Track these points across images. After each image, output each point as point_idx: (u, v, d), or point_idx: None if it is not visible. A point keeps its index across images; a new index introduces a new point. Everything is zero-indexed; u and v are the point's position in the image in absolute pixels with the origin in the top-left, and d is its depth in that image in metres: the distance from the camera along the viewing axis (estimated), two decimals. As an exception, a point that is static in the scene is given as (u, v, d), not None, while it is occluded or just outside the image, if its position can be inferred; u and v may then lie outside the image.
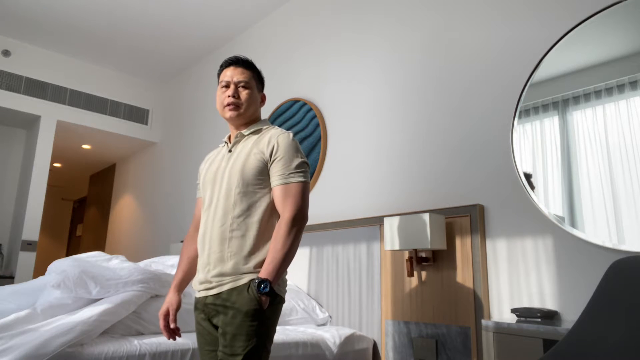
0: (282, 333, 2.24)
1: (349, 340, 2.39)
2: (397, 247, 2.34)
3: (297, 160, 1.55)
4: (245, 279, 1.44)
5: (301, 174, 1.54)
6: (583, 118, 2.02)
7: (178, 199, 4.98)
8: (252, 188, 1.53)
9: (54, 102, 4.96)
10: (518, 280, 2.14)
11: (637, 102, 1.88)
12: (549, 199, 2.08)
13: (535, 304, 2.07)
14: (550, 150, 2.11)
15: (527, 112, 2.22)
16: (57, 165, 7.10)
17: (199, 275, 1.55)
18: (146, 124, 5.63)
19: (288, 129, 3.60)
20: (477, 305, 2.19)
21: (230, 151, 1.65)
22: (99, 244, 6.65)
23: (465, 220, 2.32)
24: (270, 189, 1.55)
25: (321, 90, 3.48)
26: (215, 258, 1.50)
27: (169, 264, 2.79)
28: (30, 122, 5.14)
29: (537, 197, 2.11)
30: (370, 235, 2.74)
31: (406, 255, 2.53)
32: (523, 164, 2.19)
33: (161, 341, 1.87)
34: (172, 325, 1.57)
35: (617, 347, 1.13)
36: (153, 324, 2.05)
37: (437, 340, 2.29)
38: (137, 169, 6.10)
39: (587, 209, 1.95)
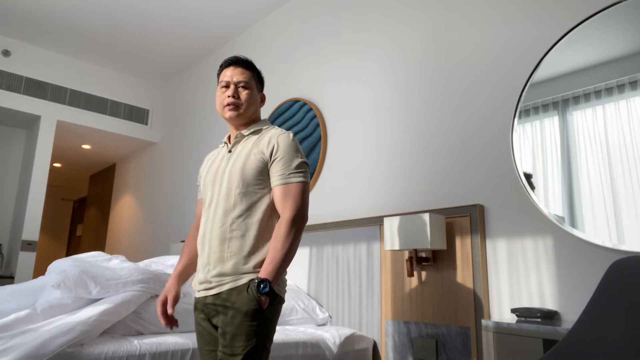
0: (282, 333, 2.24)
1: (349, 340, 2.39)
2: (397, 247, 2.34)
3: (297, 161, 1.55)
4: (245, 279, 1.44)
5: (301, 174, 1.54)
6: (583, 118, 2.02)
7: (178, 199, 4.98)
8: (252, 188, 1.53)
9: (54, 102, 4.96)
10: (518, 280, 2.14)
11: (637, 102, 1.88)
12: (549, 199, 2.08)
13: (535, 304, 2.07)
14: (550, 150, 2.11)
15: (527, 112, 2.22)
16: (57, 165, 7.10)
17: (199, 275, 1.55)
18: (146, 124, 5.63)
19: (288, 129, 3.60)
20: (477, 305, 2.19)
21: (230, 151, 1.65)
22: (99, 244, 6.65)
23: (465, 220, 2.32)
24: (270, 189, 1.55)
25: (321, 90, 3.48)
26: (215, 258, 1.50)
27: (169, 264, 2.79)
28: (30, 122, 5.14)
29: (537, 197, 2.11)
30: (370, 235, 2.74)
31: (406, 255, 2.53)
32: (523, 164, 2.19)
33: (161, 341, 1.86)
34: (169, 311, 1.56)
35: (617, 347, 1.13)
36: (153, 324, 2.05)
37: (437, 340, 2.29)
38: (137, 169, 6.10)
39: (587, 209, 1.95)
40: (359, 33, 3.27)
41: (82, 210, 7.99)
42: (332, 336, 2.36)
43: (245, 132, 1.65)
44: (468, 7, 2.62)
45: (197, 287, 1.55)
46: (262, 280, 1.39)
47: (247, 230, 1.50)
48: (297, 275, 3.16)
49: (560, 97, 2.11)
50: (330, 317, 2.84)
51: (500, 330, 1.81)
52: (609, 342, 1.16)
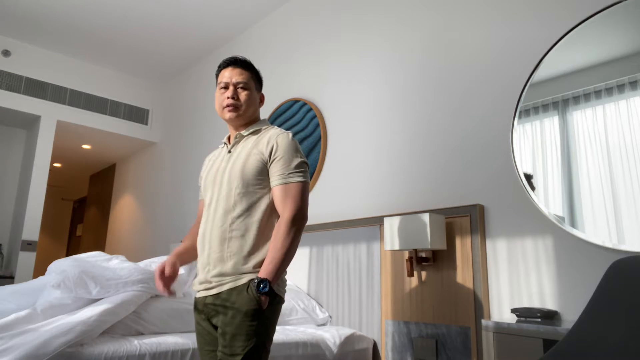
0: (282, 333, 2.24)
1: (349, 340, 2.39)
2: (397, 247, 2.34)
3: (297, 160, 1.55)
4: (244, 279, 1.44)
5: (301, 174, 1.54)
6: (583, 118, 2.02)
7: (178, 199, 4.98)
8: (252, 188, 1.53)
9: (54, 102, 4.96)
10: (518, 280, 2.14)
11: (637, 102, 1.88)
12: (549, 199, 2.08)
13: (535, 304, 2.07)
14: (550, 150, 2.11)
15: (527, 112, 2.22)
16: (57, 165, 7.10)
17: (199, 276, 1.55)
18: (146, 124, 5.63)
19: (288, 129, 3.60)
20: (477, 305, 2.19)
21: (229, 152, 1.65)
22: (99, 244, 6.65)
23: (465, 220, 2.32)
24: (270, 189, 1.55)
25: (321, 90, 3.48)
26: (215, 258, 1.50)
27: (169, 264, 2.79)
28: (30, 122, 5.14)
29: (537, 197, 2.11)
30: (370, 235, 2.74)
31: (406, 255, 2.53)
32: (523, 164, 2.19)
33: (161, 341, 1.87)
34: (167, 270, 1.56)
35: (617, 347, 1.13)
36: (153, 324, 2.05)
37: (437, 340, 2.29)
38: (137, 169, 6.10)
39: (587, 209, 1.95)
40: (359, 33, 3.27)
41: (82, 210, 7.99)
42: (332, 336, 2.36)
43: (244, 132, 1.65)
44: (468, 7, 2.62)
45: (197, 287, 1.55)
46: (261, 280, 1.39)
47: (247, 230, 1.50)
48: (297, 275, 3.16)
49: (560, 97, 2.11)
50: (330, 317, 2.84)
51: (500, 330, 1.81)
52: (609, 342, 1.16)
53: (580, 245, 1.97)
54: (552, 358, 1.26)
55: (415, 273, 2.46)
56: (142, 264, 2.78)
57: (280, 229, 1.46)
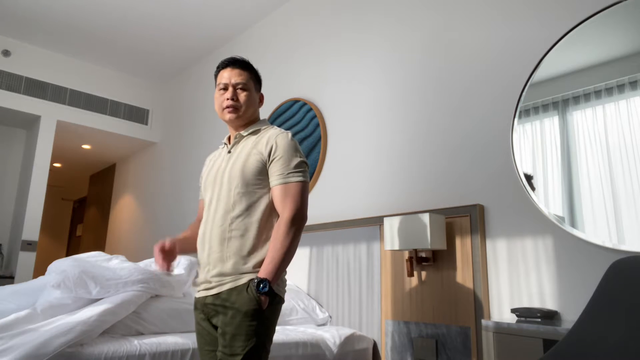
0: (282, 333, 2.24)
1: (349, 340, 2.39)
2: (397, 247, 2.34)
3: (296, 160, 1.55)
4: (244, 279, 1.44)
5: (300, 174, 1.54)
6: (583, 118, 2.02)
7: (178, 199, 4.98)
8: (252, 188, 1.53)
9: (54, 102, 4.96)
10: (518, 280, 2.14)
11: (637, 102, 1.88)
12: (549, 199, 2.08)
13: (535, 304, 2.07)
14: (550, 150, 2.11)
15: (527, 112, 2.22)
16: (57, 165, 7.10)
17: (199, 276, 1.55)
18: (146, 124, 5.63)
19: (288, 129, 3.60)
20: (477, 305, 2.19)
21: (229, 152, 1.65)
22: (99, 244, 6.65)
23: (465, 221, 2.32)
24: (270, 189, 1.55)
25: (321, 90, 3.48)
26: (215, 258, 1.50)
27: (169, 264, 2.79)
28: (30, 122, 5.14)
29: (537, 197, 2.11)
30: (370, 235, 2.74)
31: (406, 255, 2.53)
32: (523, 164, 2.19)
33: (161, 341, 1.86)
34: (167, 245, 1.55)
35: (617, 347, 1.13)
36: (153, 324, 2.05)
37: (437, 340, 2.29)
38: (137, 169, 6.10)
39: (587, 209, 1.95)
40: (359, 33, 3.27)
41: (82, 210, 7.99)
42: (332, 336, 2.36)
43: (244, 132, 1.65)
44: (468, 7, 2.62)
45: (197, 287, 1.55)
46: (261, 280, 1.39)
47: (247, 230, 1.50)
48: (297, 275, 3.16)
49: (560, 97, 2.11)
50: (330, 317, 2.84)
51: (500, 330, 1.81)
52: (609, 342, 1.16)
53: (580, 245, 1.97)
54: (552, 358, 1.26)
55: (415, 273, 2.46)
56: (142, 264, 2.78)
57: (279, 228, 1.46)
